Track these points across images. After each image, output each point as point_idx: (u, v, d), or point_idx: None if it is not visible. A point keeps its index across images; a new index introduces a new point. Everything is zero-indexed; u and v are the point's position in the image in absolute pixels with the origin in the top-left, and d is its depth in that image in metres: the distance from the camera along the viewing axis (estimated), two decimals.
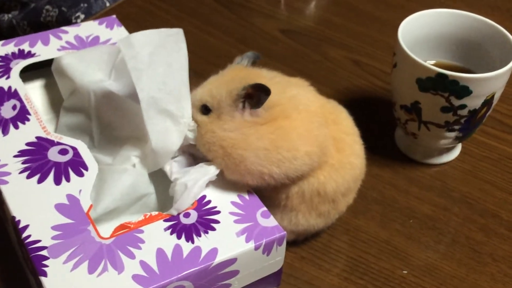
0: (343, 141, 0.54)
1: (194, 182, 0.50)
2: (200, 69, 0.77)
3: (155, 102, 0.51)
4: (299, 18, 0.91)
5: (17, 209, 0.48)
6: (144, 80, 0.51)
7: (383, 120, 0.73)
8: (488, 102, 0.61)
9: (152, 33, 0.54)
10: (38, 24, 1.01)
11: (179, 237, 0.47)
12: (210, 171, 0.51)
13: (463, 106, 0.61)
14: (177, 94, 0.52)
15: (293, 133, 0.50)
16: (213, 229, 0.48)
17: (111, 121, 0.58)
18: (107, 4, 0.99)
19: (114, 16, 0.69)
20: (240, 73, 0.53)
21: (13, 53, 0.63)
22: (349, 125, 0.56)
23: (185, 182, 0.50)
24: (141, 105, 0.51)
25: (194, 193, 0.50)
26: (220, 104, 0.51)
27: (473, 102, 0.60)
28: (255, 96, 0.49)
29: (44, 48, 0.64)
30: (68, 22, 0.98)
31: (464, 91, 0.59)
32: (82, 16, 0.99)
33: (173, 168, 0.53)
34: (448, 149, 0.69)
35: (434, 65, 0.60)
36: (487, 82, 0.59)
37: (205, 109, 0.52)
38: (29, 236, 0.47)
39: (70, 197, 0.49)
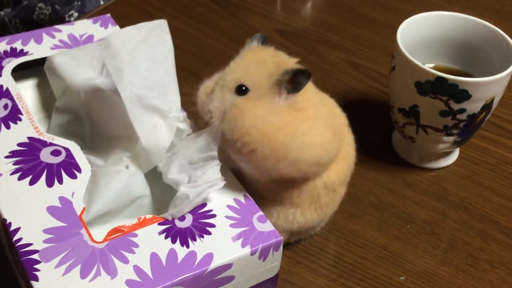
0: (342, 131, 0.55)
1: (197, 194, 0.49)
2: (195, 69, 0.77)
3: (140, 100, 0.50)
4: (295, 18, 0.90)
5: (8, 211, 0.47)
6: (125, 78, 0.50)
7: (380, 124, 0.72)
8: (487, 107, 0.61)
9: (132, 29, 0.52)
10: (31, 22, 1.00)
11: (173, 241, 0.46)
12: (217, 184, 0.49)
13: (462, 110, 0.60)
14: (163, 88, 0.51)
15: (321, 120, 0.50)
16: (209, 233, 0.47)
17: (102, 120, 0.57)
18: (101, 3, 0.98)
19: (109, 15, 0.68)
20: (265, 55, 0.51)
21: (5, 51, 0.62)
22: (341, 115, 0.56)
23: (187, 193, 0.49)
24: (125, 104, 0.50)
25: (195, 203, 0.49)
26: (260, 86, 0.49)
27: (473, 106, 0.60)
28: (295, 80, 0.48)
29: (37, 46, 0.63)
30: (61, 20, 0.97)
31: (463, 95, 0.58)
32: (76, 14, 0.97)
33: (179, 179, 0.50)
34: (446, 154, 0.68)
35: (433, 68, 0.60)
36: (487, 86, 0.59)
37: (242, 90, 0.49)
38: (20, 239, 0.45)
39: (62, 199, 0.48)
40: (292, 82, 0.49)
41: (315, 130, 0.50)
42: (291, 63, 0.50)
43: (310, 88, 0.51)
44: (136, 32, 0.52)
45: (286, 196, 0.53)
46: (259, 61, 0.50)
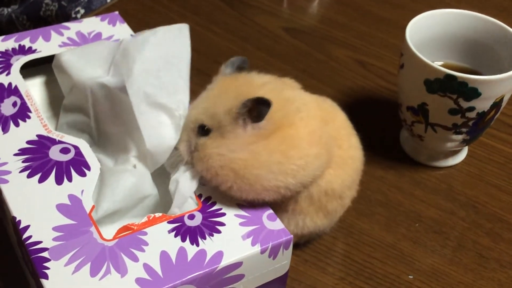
0: (341, 137, 0.54)
1: (182, 175, 0.50)
2: (202, 67, 0.76)
3: (147, 97, 0.50)
4: (302, 16, 0.90)
5: (18, 209, 0.47)
6: (134, 77, 0.50)
7: (388, 122, 0.72)
8: (497, 105, 0.60)
9: (147, 33, 0.53)
10: (38, 19, 1.00)
11: (183, 240, 0.46)
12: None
13: (471, 109, 0.60)
14: (173, 87, 0.51)
15: (300, 139, 0.49)
16: (218, 231, 0.47)
17: (109, 118, 0.57)
18: (108, 0, 0.98)
19: (117, 12, 0.68)
20: (232, 85, 0.50)
21: (13, 49, 0.62)
22: (344, 120, 0.55)
23: (176, 178, 0.50)
24: (131, 101, 0.50)
25: (188, 186, 0.49)
26: (220, 123, 0.48)
27: (482, 105, 0.60)
28: (255, 110, 0.47)
29: (45, 44, 0.63)
30: (68, 17, 0.97)
31: (473, 93, 0.58)
32: (82, 11, 0.97)
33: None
34: (454, 152, 0.68)
35: (442, 66, 0.59)
36: (497, 84, 0.58)
37: (203, 130, 0.49)
38: (30, 237, 0.45)
39: (72, 197, 0.48)
40: (253, 112, 0.47)
41: (293, 153, 0.48)
42: (255, 91, 0.49)
43: (284, 105, 0.49)
44: (151, 36, 0.52)
45: (286, 205, 0.52)
46: (220, 95, 0.49)
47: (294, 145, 0.48)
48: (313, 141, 0.49)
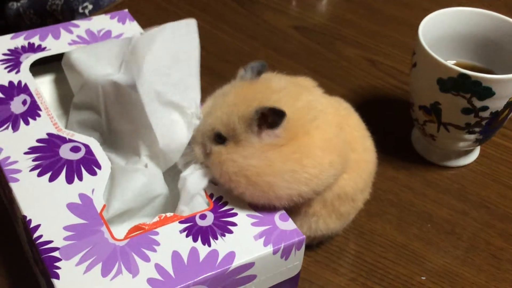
0: (356, 140, 0.53)
1: (191, 173, 0.49)
2: (211, 66, 0.76)
3: (158, 95, 0.50)
4: (312, 14, 0.90)
5: (28, 208, 0.47)
6: (144, 75, 0.50)
7: (399, 121, 0.72)
8: (510, 104, 0.60)
9: (156, 30, 0.52)
10: (44, 13, 1.00)
11: (195, 240, 0.46)
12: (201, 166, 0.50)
13: (485, 108, 0.59)
14: (183, 85, 0.51)
15: (315, 147, 0.48)
16: (230, 232, 0.47)
17: (120, 117, 0.56)
18: None
19: (126, 10, 0.67)
20: (248, 92, 0.50)
21: (23, 47, 0.61)
22: (358, 122, 0.55)
23: (184, 176, 0.49)
24: (142, 100, 0.49)
25: (195, 183, 0.49)
26: (235, 132, 0.48)
27: (496, 104, 0.59)
28: (270, 117, 0.47)
29: (55, 41, 0.62)
30: (73, 12, 0.97)
31: (486, 92, 0.58)
32: (90, 7, 0.97)
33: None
34: (467, 152, 0.67)
35: (455, 65, 0.59)
36: (511, 84, 0.58)
37: (220, 138, 0.49)
38: (40, 236, 0.45)
39: (82, 196, 0.48)
40: (268, 120, 0.47)
41: (307, 161, 0.47)
42: (270, 98, 0.48)
43: (301, 113, 0.49)
44: (159, 33, 0.51)
45: (298, 208, 0.52)
46: (236, 102, 0.49)
47: (308, 154, 0.48)
48: (328, 149, 0.49)
